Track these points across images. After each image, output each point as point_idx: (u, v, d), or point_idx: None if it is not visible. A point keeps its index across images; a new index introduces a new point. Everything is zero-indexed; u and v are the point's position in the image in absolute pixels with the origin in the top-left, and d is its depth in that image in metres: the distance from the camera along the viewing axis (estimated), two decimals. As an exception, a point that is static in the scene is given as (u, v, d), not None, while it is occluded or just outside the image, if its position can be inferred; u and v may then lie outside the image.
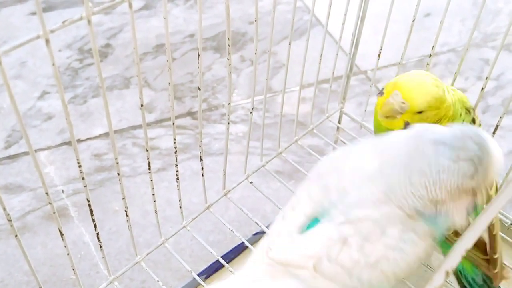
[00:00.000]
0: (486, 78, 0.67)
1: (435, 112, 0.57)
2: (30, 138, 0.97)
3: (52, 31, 0.39)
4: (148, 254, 0.68)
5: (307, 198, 0.50)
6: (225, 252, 0.75)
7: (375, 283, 0.47)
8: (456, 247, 0.30)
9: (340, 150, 0.52)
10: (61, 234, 0.52)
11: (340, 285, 0.47)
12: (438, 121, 0.58)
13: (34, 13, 1.21)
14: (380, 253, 0.46)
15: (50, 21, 1.20)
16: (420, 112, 0.56)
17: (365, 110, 0.85)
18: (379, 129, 0.64)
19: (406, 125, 0.56)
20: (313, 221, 0.48)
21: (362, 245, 0.46)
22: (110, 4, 0.41)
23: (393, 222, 0.46)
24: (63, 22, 0.39)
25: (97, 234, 0.56)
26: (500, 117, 0.69)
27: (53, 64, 0.40)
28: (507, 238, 0.74)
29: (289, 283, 0.47)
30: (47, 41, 0.38)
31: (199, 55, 0.53)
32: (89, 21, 0.40)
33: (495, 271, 0.58)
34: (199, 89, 0.57)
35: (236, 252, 0.76)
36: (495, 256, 0.58)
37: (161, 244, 0.69)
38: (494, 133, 0.70)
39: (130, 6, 0.43)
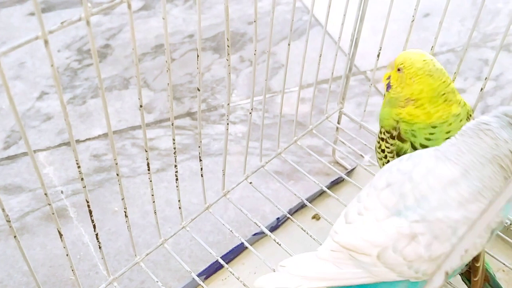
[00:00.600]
0: (486, 78, 0.67)
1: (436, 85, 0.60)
2: (29, 139, 0.97)
3: (51, 32, 0.38)
4: (147, 254, 0.67)
5: (378, 204, 0.52)
6: (225, 253, 0.75)
7: (429, 273, 0.50)
8: (456, 247, 0.29)
9: (401, 162, 0.54)
10: (60, 235, 0.52)
11: (397, 273, 0.51)
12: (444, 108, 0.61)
13: (33, 14, 1.21)
14: (444, 251, 0.49)
15: (49, 21, 1.20)
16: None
17: (365, 111, 0.85)
18: (386, 122, 0.65)
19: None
20: None
21: (430, 243, 0.49)
22: (109, 5, 0.41)
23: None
24: (62, 23, 0.39)
25: (96, 234, 0.56)
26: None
27: (52, 65, 0.40)
28: (507, 238, 0.74)
29: (352, 271, 0.52)
30: (46, 42, 0.38)
31: (198, 56, 0.53)
32: (88, 22, 0.40)
33: (475, 278, 0.59)
34: (198, 89, 0.57)
35: (236, 253, 0.76)
36: (477, 265, 0.58)
37: (160, 245, 0.69)
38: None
39: (129, 6, 0.43)
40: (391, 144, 0.65)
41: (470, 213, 0.48)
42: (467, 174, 0.49)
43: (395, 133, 0.65)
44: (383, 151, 0.67)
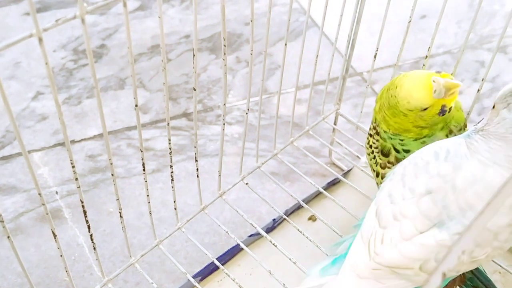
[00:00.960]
0: (482, 79, 0.67)
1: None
2: (24, 139, 0.97)
3: (45, 30, 0.38)
4: (142, 256, 0.67)
5: (417, 213, 0.51)
6: (220, 254, 0.75)
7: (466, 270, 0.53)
8: (453, 248, 0.29)
9: (438, 162, 0.52)
10: (54, 236, 0.51)
11: None
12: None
13: (29, 13, 1.21)
14: (487, 253, 0.50)
15: (44, 20, 1.20)
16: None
17: (361, 112, 0.85)
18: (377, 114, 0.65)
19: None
20: None
21: (473, 250, 0.49)
22: (104, 3, 0.41)
23: None
24: (57, 20, 0.39)
25: (91, 235, 0.56)
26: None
27: (46, 63, 0.39)
28: (503, 240, 0.74)
29: (395, 283, 0.53)
30: (40, 39, 0.38)
31: (194, 56, 0.53)
32: (82, 20, 0.39)
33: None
34: (194, 89, 0.57)
35: (231, 254, 0.76)
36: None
37: (155, 246, 0.68)
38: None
39: (125, 5, 0.43)
40: (377, 140, 0.66)
41: None
42: None
43: (379, 130, 0.65)
44: (370, 146, 0.67)
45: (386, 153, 0.65)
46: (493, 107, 0.51)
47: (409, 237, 0.51)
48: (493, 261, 0.70)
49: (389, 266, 0.52)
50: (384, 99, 0.62)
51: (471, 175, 0.49)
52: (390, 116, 0.61)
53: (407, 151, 0.62)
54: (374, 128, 0.66)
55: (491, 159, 0.49)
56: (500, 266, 0.69)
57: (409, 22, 0.71)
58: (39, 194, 0.46)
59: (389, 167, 0.65)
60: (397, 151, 0.63)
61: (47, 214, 0.48)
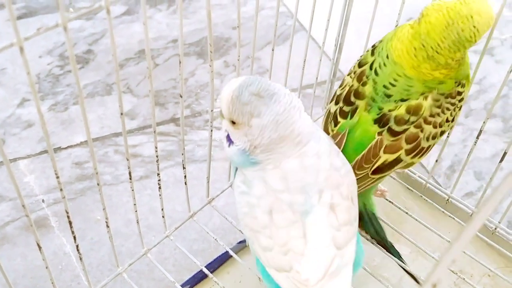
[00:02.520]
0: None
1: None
2: (10, 147, 0.95)
3: (26, 39, 0.37)
4: (130, 265, 0.66)
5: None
6: (209, 262, 0.74)
7: None
8: (443, 257, 0.29)
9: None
10: (39, 247, 0.50)
11: None
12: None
13: (15, 19, 1.19)
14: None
15: (30, 26, 1.18)
16: None
17: (350, 116, 0.85)
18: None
19: None
20: None
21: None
22: (87, 11, 0.40)
23: None
24: (38, 29, 0.38)
25: (77, 246, 0.55)
26: (484, 122, 0.69)
27: (28, 73, 0.38)
28: (492, 242, 0.74)
29: None
30: (21, 49, 0.37)
31: (180, 62, 0.52)
32: (65, 28, 0.39)
33: None
34: (181, 96, 0.56)
35: (220, 262, 0.75)
36: None
37: (143, 255, 0.67)
38: (477, 137, 0.70)
39: (108, 11, 0.42)
40: (354, 72, 0.62)
41: None
42: None
43: (376, 44, 0.62)
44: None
45: (362, 64, 0.62)
46: (232, 123, 0.49)
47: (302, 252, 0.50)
48: (482, 264, 0.70)
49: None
50: (436, 38, 0.54)
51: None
52: (442, 54, 0.55)
53: (387, 88, 0.59)
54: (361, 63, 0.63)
55: (283, 159, 0.49)
56: (489, 269, 0.70)
57: (396, 26, 0.71)
58: (23, 205, 0.45)
59: (351, 77, 0.62)
60: (376, 73, 0.60)
61: (31, 225, 0.47)
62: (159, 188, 0.62)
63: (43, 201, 0.87)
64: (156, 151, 0.58)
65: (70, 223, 0.52)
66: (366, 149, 0.60)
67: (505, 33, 1.24)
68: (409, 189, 0.81)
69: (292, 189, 0.49)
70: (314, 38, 1.18)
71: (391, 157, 0.60)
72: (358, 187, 0.59)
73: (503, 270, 0.74)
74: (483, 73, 1.13)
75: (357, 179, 0.58)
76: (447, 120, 0.61)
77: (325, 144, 0.52)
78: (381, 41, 0.62)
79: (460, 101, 0.61)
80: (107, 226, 0.58)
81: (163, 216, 0.67)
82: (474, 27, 0.54)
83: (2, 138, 0.96)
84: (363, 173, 0.60)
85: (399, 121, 0.58)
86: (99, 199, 0.55)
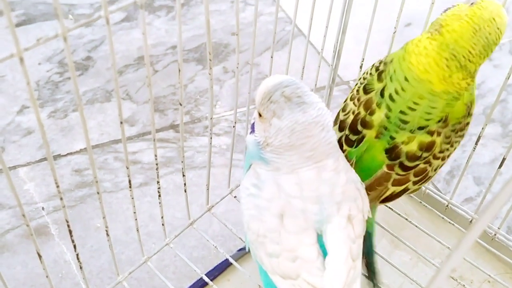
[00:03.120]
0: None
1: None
2: (10, 154, 0.95)
3: (26, 50, 0.37)
4: (130, 273, 0.66)
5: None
6: (209, 269, 0.74)
7: None
8: (442, 267, 0.29)
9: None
10: (40, 256, 0.50)
11: None
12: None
13: (14, 26, 1.19)
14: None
15: (30, 33, 1.19)
16: None
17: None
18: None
19: None
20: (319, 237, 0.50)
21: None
22: (87, 21, 0.40)
23: None
24: (38, 40, 0.38)
25: (77, 255, 0.55)
26: (483, 128, 0.69)
27: (28, 83, 0.38)
28: (492, 249, 0.74)
29: None
30: (21, 59, 0.37)
31: (179, 71, 0.53)
32: (65, 39, 0.39)
33: None
34: (181, 104, 0.56)
35: (221, 269, 0.75)
36: None
37: (143, 263, 0.67)
38: (476, 142, 0.70)
39: (108, 22, 0.42)
40: (357, 99, 0.60)
41: None
42: None
43: (381, 67, 0.59)
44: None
45: (368, 90, 0.59)
46: (259, 115, 0.50)
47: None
48: (482, 270, 0.70)
49: None
50: (466, 46, 0.53)
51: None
52: (470, 62, 0.54)
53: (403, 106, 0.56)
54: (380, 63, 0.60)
55: (294, 167, 0.50)
56: (489, 275, 0.69)
57: (394, 32, 0.72)
58: (23, 215, 0.45)
59: (354, 104, 0.60)
60: (388, 97, 0.57)
61: (31, 235, 0.47)
62: (159, 196, 0.62)
63: (43, 208, 0.87)
64: (156, 159, 0.58)
65: (70, 232, 0.52)
66: (373, 178, 0.59)
67: (503, 38, 1.24)
68: (408, 195, 0.81)
69: (306, 197, 0.49)
70: (312, 44, 1.18)
71: (398, 188, 0.61)
72: None
73: (503, 276, 0.74)
74: (482, 78, 1.13)
75: None
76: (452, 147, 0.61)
77: (343, 162, 0.52)
78: (386, 63, 0.58)
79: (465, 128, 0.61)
80: (107, 235, 0.58)
81: (163, 224, 0.67)
82: (498, 29, 0.54)
83: (2, 145, 0.96)
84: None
85: (411, 157, 0.57)
86: (99, 206, 0.55)
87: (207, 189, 0.71)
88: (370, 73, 0.60)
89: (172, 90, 1.09)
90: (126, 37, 1.21)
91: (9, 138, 0.98)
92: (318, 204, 0.49)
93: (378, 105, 0.57)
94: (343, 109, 0.63)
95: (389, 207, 0.77)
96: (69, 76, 1.11)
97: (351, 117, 0.60)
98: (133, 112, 1.04)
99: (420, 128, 0.56)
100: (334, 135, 0.51)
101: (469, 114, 0.59)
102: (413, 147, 0.57)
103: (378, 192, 0.60)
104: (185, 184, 0.66)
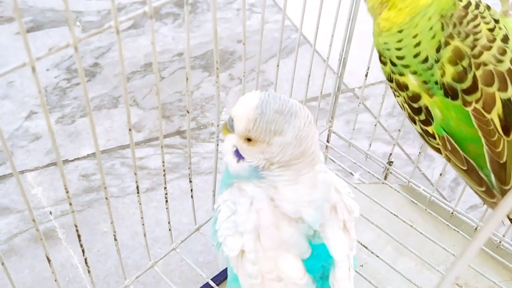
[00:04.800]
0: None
1: None
2: (18, 159, 0.96)
3: (38, 59, 0.38)
4: (137, 278, 0.67)
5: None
6: (215, 274, 0.75)
7: None
8: (447, 274, 0.29)
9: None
10: (49, 260, 0.51)
11: None
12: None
13: (27, 40, 1.21)
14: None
15: (37, 40, 1.20)
16: None
17: (353, 129, 0.86)
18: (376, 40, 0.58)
19: None
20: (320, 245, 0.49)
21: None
22: (97, 31, 0.41)
23: None
24: (50, 49, 0.39)
25: (85, 259, 0.56)
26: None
27: (39, 92, 0.39)
28: (497, 256, 0.74)
29: None
30: (33, 69, 0.38)
31: (187, 78, 0.53)
32: (75, 48, 0.40)
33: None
34: (188, 111, 0.57)
35: (226, 274, 0.76)
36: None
37: (150, 267, 0.68)
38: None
39: (118, 32, 0.43)
40: (401, 94, 0.58)
41: None
42: None
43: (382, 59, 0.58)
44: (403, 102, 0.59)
45: (416, 98, 0.56)
46: (249, 140, 0.48)
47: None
48: (487, 277, 0.70)
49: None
50: None
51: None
52: None
53: (402, 58, 0.55)
54: (395, 83, 0.58)
55: (299, 174, 0.49)
56: (494, 282, 0.70)
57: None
58: (33, 220, 0.46)
59: (397, 95, 0.58)
60: (393, 64, 0.56)
61: (41, 239, 0.48)
62: (166, 201, 0.63)
63: (50, 213, 0.88)
64: (163, 165, 0.58)
65: (79, 236, 0.52)
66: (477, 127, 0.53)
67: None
68: (413, 202, 0.81)
69: (305, 203, 0.48)
70: (318, 51, 1.19)
71: (498, 94, 0.52)
72: None
73: (508, 283, 0.74)
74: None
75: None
76: (490, 26, 0.53)
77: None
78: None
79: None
80: (115, 239, 0.59)
81: (169, 229, 0.67)
82: None
83: (10, 150, 0.97)
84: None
85: (458, 78, 0.52)
86: (106, 211, 0.56)
87: (213, 194, 0.71)
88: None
89: (179, 97, 1.10)
90: (133, 44, 1.22)
91: (17, 143, 0.99)
92: (313, 208, 0.48)
93: (401, 74, 0.55)
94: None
95: (394, 214, 0.77)
96: (77, 82, 1.12)
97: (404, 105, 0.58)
98: (140, 118, 1.05)
99: (438, 51, 0.53)
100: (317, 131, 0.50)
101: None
102: (449, 69, 0.52)
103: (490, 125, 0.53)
104: (191, 190, 0.66)
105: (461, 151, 0.56)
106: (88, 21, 1.27)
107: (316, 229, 0.48)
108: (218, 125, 0.63)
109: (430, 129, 0.56)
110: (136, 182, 0.56)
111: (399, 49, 0.54)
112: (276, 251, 0.48)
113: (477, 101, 0.52)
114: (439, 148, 0.58)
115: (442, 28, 0.52)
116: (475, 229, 0.77)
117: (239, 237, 0.49)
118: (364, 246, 0.74)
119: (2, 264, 0.48)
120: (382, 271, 0.75)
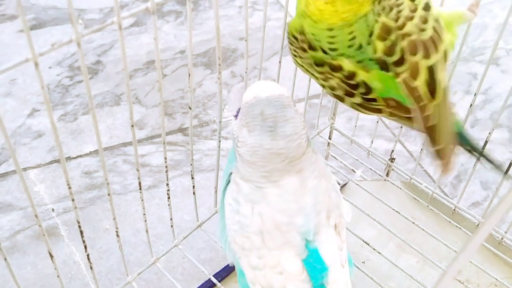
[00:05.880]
0: (475, 94, 0.68)
1: None
2: (20, 156, 0.97)
3: (41, 54, 0.38)
4: (139, 274, 0.67)
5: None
6: (217, 271, 0.75)
7: None
8: (448, 269, 0.29)
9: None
10: (51, 256, 0.51)
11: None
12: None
13: (30, 36, 1.21)
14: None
15: (40, 38, 1.20)
16: None
17: (355, 126, 0.86)
18: (292, 24, 0.57)
19: None
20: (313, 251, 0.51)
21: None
22: (99, 27, 0.41)
23: None
24: (53, 45, 0.39)
25: (88, 255, 0.56)
26: (490, 133, 0.69)
27: (42, 88, 0.39)
28: (499, 252, 0.74)
29: None
30: (36, 64, 0.38)
31: (189, 75, 0.53)
32: (78, 44, 0.40)
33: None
34: (190, 108, 0.57)
35: (228, 270, 0.76)
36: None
37: (152, 264, 0.68)
38: (484, 147, 0.71)
39: (120, 27, 0.43)
40: (306, 58, 0.57)
41: None
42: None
43: (305, 45, 0.56)
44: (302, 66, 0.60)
45: (319, 64, 0.56)
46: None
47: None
48: (488, 274, 0.70)
49: None
50: None
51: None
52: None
53: (335, 49, 0.53)
54: (295, 39, 0.57)
55: (251, 179, 0.51)
56: (496, 279, 0.70)
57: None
58: (36, 215, 0.46)
59: (329, 77, 0.57)
60: (325, 52, 0.54)
61: (44, 235, 0.48)
62: (168, 198, 0.63)
63: (53, 210, 0.88)
64: (166, 162, 0.59)
65: (81, 232, 0.53)
66: (406, 95, 0.53)
67: (510, 43, 1.24)
68: (415, 199, 0.81)
69: (289, 209, 0.50)
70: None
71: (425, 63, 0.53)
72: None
73: (509, 280, 0.74)
74: (489, 83, 1.13)
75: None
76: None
77: (320, 167, 0.52)
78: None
79: None
80: (117, 236, 0.59)
81: (171, 226, 0.68)
82: None
83: (13, 148, 0.98)
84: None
85: (389, 52, 0.52)
86: (108, 208, 0.56)
87: (215, 191, 0.72)
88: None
89: (181, 94, 1.10)
90: (135, 41, 1.22)
91: (19, 141, 0.99)
92: (302, 216, 0.50)
93: (334, 59, 0.54)
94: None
95: (396, 211, 0.77)
96: (79, 80, 1.12)
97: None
98: (142, 116, 1.05)
99: (370, 35, 0.52)
100: (304, 160, 0.50)
101: None
102: (379, 45, 0.52)
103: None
104: (193, 186, 0.67)
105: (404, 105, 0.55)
106: (90, 19, 1.28)
107: (309, 239, 0.50)
108: (220, 122, 0.63)
109: (372, 95, 0.56)
110: (139, 179, 0.56)
111: (331, 43, 0.53)
112: (279, 251, 0.50)
113: (405, 71, 0.53)
114: (380, 109, 0.57)
115: (373, 13, 0.52)
116: (477, 225, 0.77)
117: (247, 237, 0.51)
118: (366, 243, 0.74)
119: (5, 260, 0.49)
120: (384, 267, 0.75)
